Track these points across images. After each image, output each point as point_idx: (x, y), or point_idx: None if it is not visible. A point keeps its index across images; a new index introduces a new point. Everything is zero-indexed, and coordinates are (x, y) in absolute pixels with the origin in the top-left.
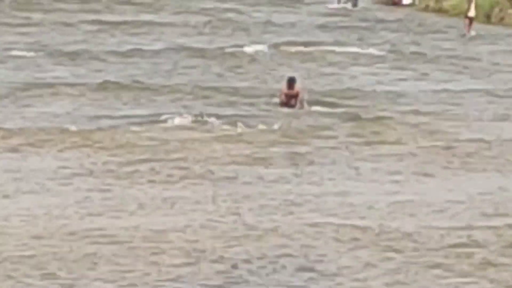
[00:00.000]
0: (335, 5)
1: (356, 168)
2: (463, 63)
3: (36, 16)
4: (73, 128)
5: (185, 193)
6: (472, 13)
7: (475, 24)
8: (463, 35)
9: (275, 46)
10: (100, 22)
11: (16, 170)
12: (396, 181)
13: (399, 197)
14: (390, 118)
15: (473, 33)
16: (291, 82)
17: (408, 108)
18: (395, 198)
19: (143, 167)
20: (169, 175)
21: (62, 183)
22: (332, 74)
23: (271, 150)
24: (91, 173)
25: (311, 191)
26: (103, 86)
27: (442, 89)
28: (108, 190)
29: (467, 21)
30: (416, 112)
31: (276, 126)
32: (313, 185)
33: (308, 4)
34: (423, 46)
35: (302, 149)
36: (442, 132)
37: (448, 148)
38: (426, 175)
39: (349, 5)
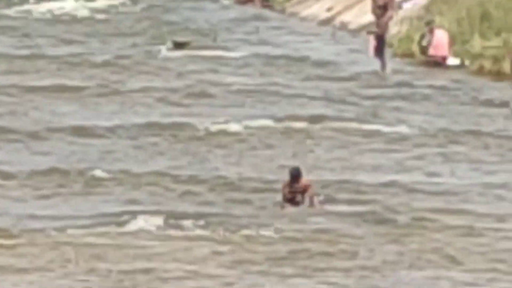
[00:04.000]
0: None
1: None
2: None
3: None
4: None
5: None
6: None
7: None
8: None
9: (276, 121)
10: None
11: None
12: None
13: None
14: (429, 220)
15: None
16: (295, 174)
17: (450, 206)
18: None
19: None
20: None
21: None
22: (351, 160)
23: (268, 266)
24: None
25: None
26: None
27: (491, 183)
28: None
29: None
30: (462, 212)
31: (273, 231)
32: None
33: (320, 64)
34: (471, 125)
35: (312, 262)
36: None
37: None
38: None
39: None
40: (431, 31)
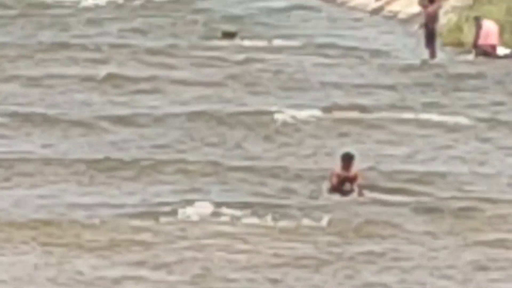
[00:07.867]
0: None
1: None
2: None
3: None
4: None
5: None
6: None
7: None
8: None
9: (326, 110)
10: None
11: None
12: None
13: None
14: (479, 210)
15: None
16: (348, 159)
17: (501, 196)
18: None
19: (143, 272)
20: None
21: None
22: (400, 149)
23: (317, 254)
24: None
25: None
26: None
27: None
28: None
29: None
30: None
31: (324, 221)
32: None
33: (373, 55)
34: None
35: (361, 252)
36: None
37: None
38: None
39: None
40: (479, 26)
